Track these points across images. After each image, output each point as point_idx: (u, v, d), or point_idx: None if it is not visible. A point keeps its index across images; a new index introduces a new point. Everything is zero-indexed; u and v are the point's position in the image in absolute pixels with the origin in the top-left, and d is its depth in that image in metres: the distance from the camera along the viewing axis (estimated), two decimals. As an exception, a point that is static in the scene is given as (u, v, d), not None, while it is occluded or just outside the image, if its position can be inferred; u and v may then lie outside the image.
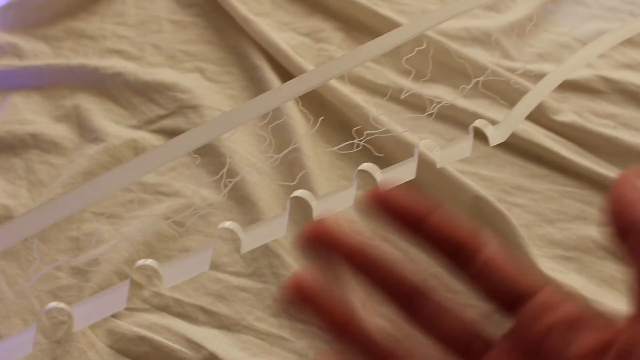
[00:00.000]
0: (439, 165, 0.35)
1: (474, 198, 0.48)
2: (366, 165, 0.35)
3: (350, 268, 0.23)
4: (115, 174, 0.31)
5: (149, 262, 0.30)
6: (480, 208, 0.48)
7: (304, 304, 0.22)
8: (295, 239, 0.23)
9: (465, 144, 0.35)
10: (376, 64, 0.61)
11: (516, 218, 0.47)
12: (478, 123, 0.35)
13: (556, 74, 0.42)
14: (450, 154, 0.35)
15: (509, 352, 0.21)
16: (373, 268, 0.23)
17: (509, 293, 0.22)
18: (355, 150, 0.39)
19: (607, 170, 0.51)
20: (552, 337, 0.20)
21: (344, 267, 0.23)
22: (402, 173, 0.33)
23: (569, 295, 0.22)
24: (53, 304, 0.29)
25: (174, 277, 0.30)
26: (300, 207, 0.46)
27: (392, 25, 0.64)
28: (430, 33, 0.62)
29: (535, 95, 0.39)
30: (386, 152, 0.50)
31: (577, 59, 0.43)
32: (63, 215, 0.30)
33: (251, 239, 0.31)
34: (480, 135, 0.35)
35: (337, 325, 0.22)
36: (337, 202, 0.33)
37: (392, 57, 0.62)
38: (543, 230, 0.48)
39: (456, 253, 0.22)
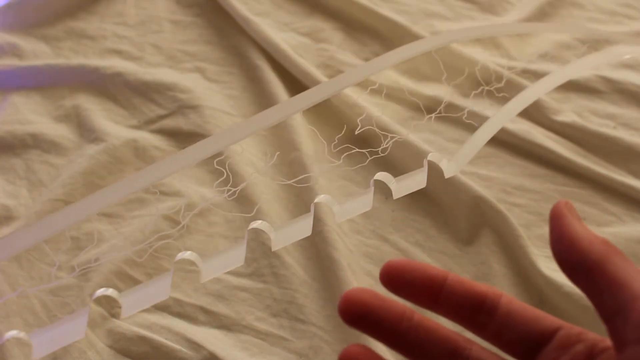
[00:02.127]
0: (395, 197, 0.37)
1: (474, 198, 0.48)
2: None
3: (393, 339, 0.24)
4: (124, 183, 0.32)
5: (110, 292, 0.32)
6: (480, 208, 0.48)
7: None
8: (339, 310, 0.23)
9: (420, 177, 0.37)
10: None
11: (516, 218, 0.47)
12: (432, 157, 0.37)
13: (510, 106, 0.43)
14: (406, 186, 0.37)
15: None
16: (415, 337, 0.24)
17: (529, 340, 0.23)
18: (353, 150, 0.39)
19: (607, 170, 0.51)
20: None
21: (387, 338, 0.24)
22: (360, 206, 0.35)
23: (580, 333, 0.22)
24: (13, 332, 0.29)
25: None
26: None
27: (392, 25, 0.64)
28: (428, 35, 0.62)
29: (490, 127, 0.41)
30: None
31: (531, 92, 0.45)
32: (74, 221, 0.30)
33: (211, 269, 0.33)
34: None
35: None
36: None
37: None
38: (543, 230, 0.48)
39: (478, 309, 0.23)
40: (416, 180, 0.36)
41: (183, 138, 0.54)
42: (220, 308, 0.43)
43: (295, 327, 0.43)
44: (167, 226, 0.47)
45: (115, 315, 0.43)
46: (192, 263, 0.33)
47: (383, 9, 0.65)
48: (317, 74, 0.58)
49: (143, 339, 0.41)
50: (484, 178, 0.51)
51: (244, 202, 0.48)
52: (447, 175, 0.38)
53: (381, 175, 0.36)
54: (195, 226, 0.48)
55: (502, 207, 0.47)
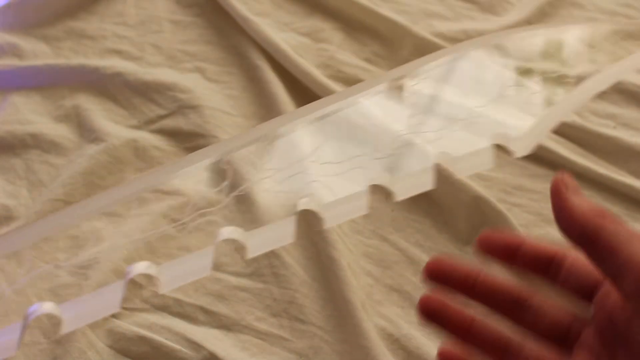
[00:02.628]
0: (459, 176, 0.34)
1: (474, 198, 0.48)
2: (380, 179, 0.34)
3: (465, 291, 0.28)
4: (128, 186, 0.31)
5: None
6: (480, 208, 0.48)
7: (434, 316, 0.28)
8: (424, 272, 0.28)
9: (487, 155, 0.33)
10: (374, 66, 0.61)
11: (516, 218, 0.47)
12: (498, 137, 0.34)
13: (582, 88, 0.41)
14: (470, 165, 0.33)
15: (595, 331, 0.25)
16: (483, 288, 0.28)
17: (589, 286, 0.26)
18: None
19: (607, 170, 0.51)
20: (617, 314, 0.24)
21: (460, 290, 0.28)
22: (418, 185, 0.33)
23: None
24: (44, 305, 0.27)
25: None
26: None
27: (392, 25, 0.64)
28: (427, 35, 0.63)
29: (560, 109, 0.39)
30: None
31: (606, 74, 0.43)
32: (75, 221, 0.29)
33: (258, 246, 0.31)
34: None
35: (462, 328, 0.27)
36: (348, 211, 0.33)
37: (390, 58, 0.62)
38: (543, 230, 0.48)
39: (548, 265, 0.27)
40: (481, 161, 0.33)
41: (183, 138, 0.54)
42: (220, 308, 0.43)
43: (295, 327, 0.43)
44: (167, 225, 0.47)
45: (116, 315, 0.43)
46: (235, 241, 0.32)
47: (383, 9, 0.65)
48: (317, 74, 0.58)
49: (143, 339, 0.41)
50: (484, 178, 0.51)
51: (244, 201, 0.48)
52: (519, 154, 0.34)
53: (440, 156, 0.33)
54: (196, 225, 0.47)
55: (502, 207, 0.47)
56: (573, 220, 0.24)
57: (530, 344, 0.27)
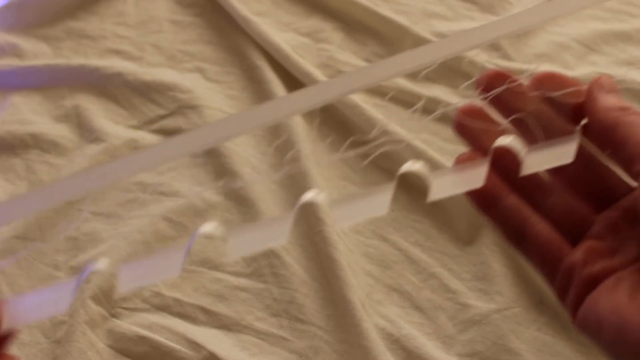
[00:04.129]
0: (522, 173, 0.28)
1: (474, 198, 0.48)
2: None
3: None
4: (111, 168, 0.26)
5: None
6: (480, 208, 0.47)
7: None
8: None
9: (568, 148, 0.26)
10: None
11: (516, 218, 0.47)
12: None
13: None
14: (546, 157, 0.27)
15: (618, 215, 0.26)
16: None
17: None
18: (353, 152, 0.39)
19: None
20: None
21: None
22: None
23: None
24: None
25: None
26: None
27: (392, 25, 0.64)
28: (427, 35, 0.62)
29: None
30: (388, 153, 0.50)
31: None
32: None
33: (243, 244, 0.26)
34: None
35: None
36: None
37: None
38: (543, 230, 0.48)
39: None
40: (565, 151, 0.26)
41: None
42: (220, 308, 0.43)
43: (295, 327, 0.43)
44: (166, 226, 0.47)
45: (116, 315, 0.43)
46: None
47: (383, 9, 0.65)
48: (318, 74, 0.58)
49: (143, 339, 0.41)
50: (484, 178, 0.51)
51: (242, 202, 0.49)
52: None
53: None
54: (194, 227, 0.48)
55: (502, 207, 0.47)
56: (595, 114, 0.24)
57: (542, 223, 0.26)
